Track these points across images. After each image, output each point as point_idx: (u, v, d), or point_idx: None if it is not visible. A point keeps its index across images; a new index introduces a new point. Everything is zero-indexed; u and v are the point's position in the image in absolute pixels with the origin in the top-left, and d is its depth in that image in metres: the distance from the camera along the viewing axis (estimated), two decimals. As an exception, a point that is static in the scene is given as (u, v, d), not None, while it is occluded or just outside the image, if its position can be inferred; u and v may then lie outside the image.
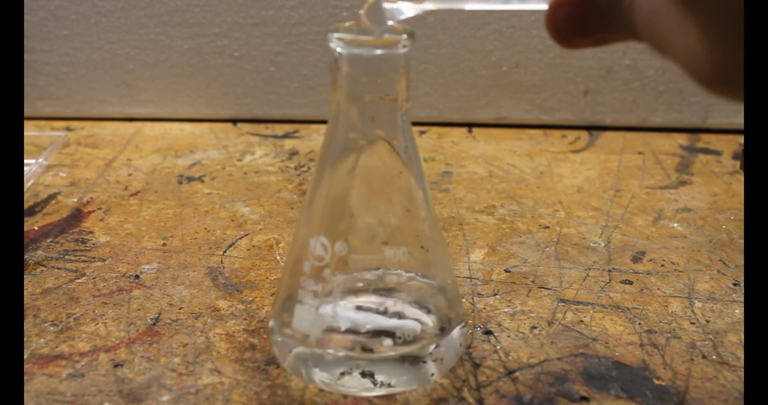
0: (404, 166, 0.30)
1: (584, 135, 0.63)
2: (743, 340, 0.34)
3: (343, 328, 0.30)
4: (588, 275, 0.40)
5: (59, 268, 0.40)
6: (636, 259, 0.42)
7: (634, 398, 0.30)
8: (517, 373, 0.32)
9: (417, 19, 0.61)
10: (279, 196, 0.50)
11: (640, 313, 0.36)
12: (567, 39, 0.23)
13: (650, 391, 0.31)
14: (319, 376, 0.30)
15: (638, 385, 0.31)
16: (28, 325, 0.35)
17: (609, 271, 0.41)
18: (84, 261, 0.41)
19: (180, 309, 0.37)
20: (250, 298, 0.38)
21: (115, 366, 0.32)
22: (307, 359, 0.30)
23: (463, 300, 0.37)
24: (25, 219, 0.46)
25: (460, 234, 0.45)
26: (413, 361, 0.30)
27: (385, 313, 0.31)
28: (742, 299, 0.38)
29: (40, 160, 0.54)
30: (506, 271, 0.41)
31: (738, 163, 0.56)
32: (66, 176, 0.54)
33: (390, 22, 0.27)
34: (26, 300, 0.37)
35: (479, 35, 0.61)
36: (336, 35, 0.27)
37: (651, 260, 0.42)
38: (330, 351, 0.30)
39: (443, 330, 0.31)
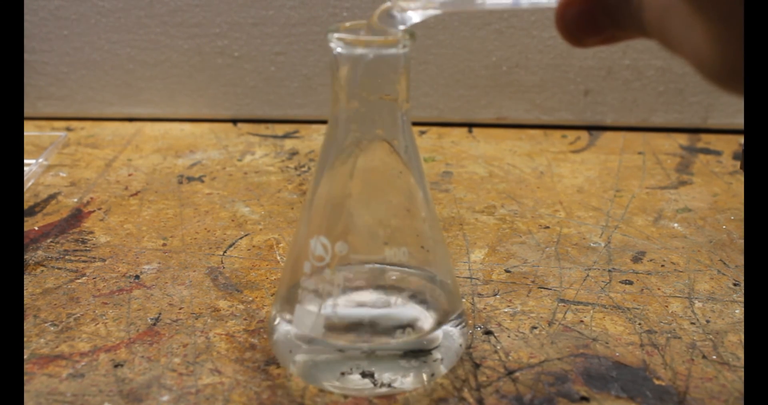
0: (404, 166, 0.30)
1: (584, 135, 0.63)
2: (743, 340, 0.34)
3: (343, 329, 0.30)
4: (588, 275, 0.40)
5: (59, 268, 0.41)
6: (636, 259, 0.42)
7: (634, 398, 0.30)
8: (518, 373, 0.32)
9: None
10: (279, 196, 0.50)
11: (640, 313, 0.36)
12: (577, 37, 0.23)
13: (650, 391, 0.31)
14: (320, 376, 0.30)
15: (638, 385, 0.31)
16: (28, 325, 0.35)
17: (609, 271, 0.41)
18: (84, 261, 0.41)
19: (180, 309, 0.37)
20: (251, 298, 0.38)
21: (116, 366, 0.32)
22: (308, 359, 0.30)
23: (464, 300, 0.37)
24: (25, 219, 0.46)
25: (460, 234, 0.45)
26: (414, 357, 0.30)
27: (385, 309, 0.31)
28: (742, 299, 0.38)
29: (40, 160, 0.54)
30: (506, 271, 0.41)
31: (738, 163, 0.56)
32: (66, 176, 0.54)
33: (401, 27, 0.27)
34: (26, 300, 0.37)
35: (479, 35, 0.61)
36: (336, 35, 0.27)
37: (651, 260, 0.42)
38: (330, 351, 0.30)
39: (442, 324, 0.31)
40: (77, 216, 0.47)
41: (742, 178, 0.54)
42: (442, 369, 0.31)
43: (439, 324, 0.31)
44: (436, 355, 0.30)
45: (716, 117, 0.63)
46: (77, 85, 0.65)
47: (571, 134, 0.63)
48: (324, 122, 0.65)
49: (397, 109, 0.29)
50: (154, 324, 0.35)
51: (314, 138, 0.62)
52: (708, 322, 0.36)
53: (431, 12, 0.27)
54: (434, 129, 0.64)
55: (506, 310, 0.37)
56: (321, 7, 0.61)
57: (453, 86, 0.63)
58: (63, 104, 0.65)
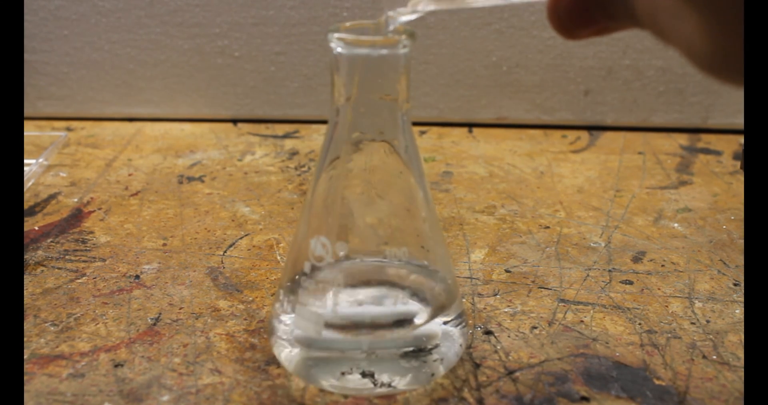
0: (404, 166, 0.30)
1: (584, 135, 0.63)
2: (743, 340, 0.34)
3: (343, 328, 0.30)
4: (588, 275, 0.40)
5: (59, 268, 0.41)
6: (636, 259, 0.42)
7: (634, 398, 0.30)
8: (518, 373, 0.32)
9: (417, 19, 0.61)
10: (279, 196, 0.50)
11: (640, 313, 0.36)
12: (569, 30, 0.23)
13: (650, 391, 0.31)
14: (320, 376, 0.30)
15: (638, 385, 0.31)
16: (28, 325, 0.35)
17: (609, 271, 0.41)
18: (84, 261, 0.41)
19: (180, 309, 0.37)
20: (251, 298, 0.38)
21: (116, 366, 0.32)
22: (308, 359, 0.30)
23: (464, 300, 0.37)
24: (26, 219, 0.46)
25: (460, 234, 0.45)
26: (414, 357, 0.30)
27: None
28: (742, 299, 0.38)
29: (41, 160, 0.54)
30: (506, 271, 0.41)
31: (738, 163, 0.56)
32: (66, 176, 0.54)
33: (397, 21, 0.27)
34: (26, 300, 0.37)
35: (479, 35, 0.61)
36: (336, 35, 0.27)
37: (651, 260, 0.42)
38: (330, 351, 0.30)
39: (442, 320, 0.31)
40: (77, 216, 0.47)
41: (742, 178, 0.54)
42: (442, 369, 0.31)
43: (437, 318, 0.31)
44: (436, 355, 0.30)
45: (716, 117, 0.63)
46: (77, 85, 0.65)
47: (571, 134, 0.63)
48: (324, 122, 0.65)
49: (397, 109, 0.29)
50: (154, 324, 0.35)
51: (314, 138, 0.62)
52: (708, 322, 0.36)
53: (416, 10, 0.27)
54: (434, 129, 0.64)
55: (506, 310, 0.37)
56: (321, 7, 0.61)
57: (453, 86, 0.63)
58: (63, 104, 0.65)
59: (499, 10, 0.60)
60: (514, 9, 0.60)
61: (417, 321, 0.31)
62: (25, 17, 0.62)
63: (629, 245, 0.44)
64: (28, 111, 0.65)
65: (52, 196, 0.50)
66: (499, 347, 0.34)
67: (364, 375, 0.29)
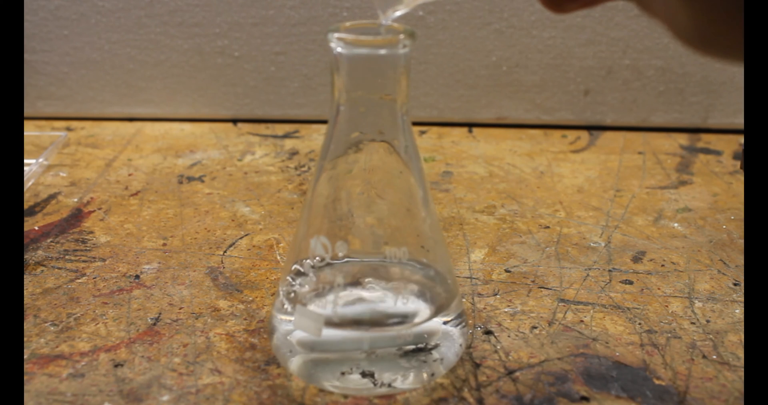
0: (404, 165, 0.30)
1: (584, 135, 0.63)
2: (743, 340, 0.34)
3: (343, 328, 0.30)
4: (588, 275, 0.40)
5: (59, 268, 0.41)
6: (636, 259, 0.42)
7: (634, 398, 0.30)
8: (518, 373, 0.32)
9: (417, 19, 0.61)
10: (279, 196, 0.50)
11: (640, 313, 0.36)
12: (557, 3, 0.23)
13: (650, 391, 0.31)
14: (320, 376, 0.30)
15: (638, 385, 0.31)
16: (28, 325, 0.35)
17: (609, 271, 0.41)
18: (84, 261, 0.41)
19: (180, 309, 0.37)
20: (251, 298, 0.38)
21: (116, 366, 0.32)
22: (307, 359, 0.30)
23: (464, 300, 0.37)
24: (26, 219, 0.46)
25: (460, 234, 0.45)
26: (414, 357, 0.30)
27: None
28: (742, 299, 0.38)
29: (41, 160, 0.54)
30: (506, 271, 0.41)
31: (738, 163, 0.56)
32: (66, 176, 0.54)
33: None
34: (26, 300, 0.37)
35: (479, 35, 0.61)
36: (336, 35, 0.27)
37: (651, 260, 0.42)
38: (330, 351, 0.30)
39: (441, 319, 0.31)
40: (77, 216, 0.47)
41: (742, 178, 0.54)
42: (442, 369, 0.31)
43: (436, 315, 0.31)
44: (436, 355, 0.30)
45: (716, 117, 0.63)
46: (77, 85, 0.65)
47: (571, 134, 0.63)
48: (324, 122, 0.65)
49: (397, 109, 0.29)
50: (154, 324, 0.35)
51: (314, 138, 0.62)
52: (708, 322, 0.36)
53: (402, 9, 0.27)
54: (434, 129, 0.64)
55: (506, 310, 0.37)
56: (321, 7, 0.61)
57: (453, 86, 0.63)
58: (63, 104, 0.65)
59: (499, 9, 0.60)
60: (514, 9, 0.60)
61: (417, 320, 0.31)
62: (25, 17, 0.62)
63: (629, 245, 0.44)
64: (28, 111, 0.65)
65: (52, 196, 0.50)
66: (499, 347, 0.34)
67: (364, 375, 0.29)
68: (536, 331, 0.35)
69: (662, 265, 0.41)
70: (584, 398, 0.30)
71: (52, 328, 0.35)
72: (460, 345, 0.32)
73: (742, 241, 0.44)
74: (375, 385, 0.29)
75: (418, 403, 0.30)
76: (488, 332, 0.35)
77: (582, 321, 0.36)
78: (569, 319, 0.36)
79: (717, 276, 0.40)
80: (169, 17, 0.62)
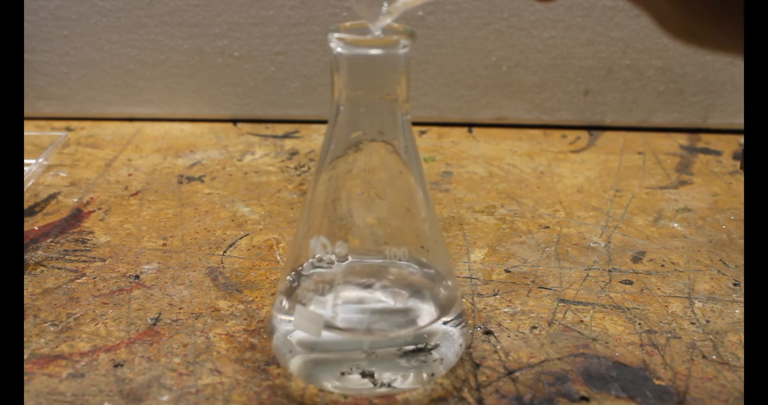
0: (404, 166, 0.30)
1: (584, 135, 0.63)
2: (743, 340, 0.34)
3: (343, 328, 0.30)
4: (588, 275, 0.40)
5: (59, 268, 0.41)
6: (636, 259, 0.42)
7: (634, 398, 0.30)
8: (517, 373, 0.32)
9: (417, 19, 0.61)
10: (279, 196, 0.50)
11: (640, 313, 0.36)
12: None
13: (650, 391, 0.31)
14: (319, 376, 0.30)
15: (638, 385, 0.31)
16: (28, 325, 0.35)
17: (609, 271, 0.41)
18: (84, 261, 0.41)
19: (180, 309, 0.37)
20: (250, 298, 0.38)
21: (115, 366, 0.32)
22: (307, 359, 0.30)
23: (464, 300, 0.37)
24: (25, 219, 0.46)
25: (460, 234, 0.45)
26: (414, 357, 0.30)
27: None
28: (742, 299, 0.38)
29: (40, 160, 0.54)
30: (506, 271, 0.41)
31: (738, 163, 0.56)
32: (66, 176, 0.54)
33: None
34: (26, 300, 0.37)
35: (479, 35, 0.61)
36: (336, 35, 0.27)
37: (651, 260, 0.42)
38: (330, 351, 0.30)
39: (441, 320, 0.31)
40: (77, 216, 0.47)
41: (742, 178, 0.54)
42: (442, 369, 0.31)
43: (438, 319, 0.31)
44: (436, 355, 0.30)
45: (716, 117, 0.63)
46: (77, 85, 0.65)
47: (571, 134, 0.63)
48: (324, 122, 0.65)
49: (397, 109, 0.29)
50: (154, 324, 0.35)
51: (314, 138, 0.62)
52: (708, 322, 0.36)
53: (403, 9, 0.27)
54: (434, 129, 0.64)
55: (506, 310, 0.37)
56: (321, 7, 0.61)
57: (453, 86, 0.63)
58: (63, 104, 0.65)
59: (499, 9, 0.60)
60: (514, 9, 0.60)
61: (417, 319, 0.31)
62: (25, 17, 0.62)
63: (629, 245, 0.44)
64: (28, 111, 0.65)
65: (52, 196, 0.50)
66: (498, 347, 0.34)
67: (364, 375, 0.29)
68: (536, 331, 0.35)
69: (662, 265, 0.41)
70: (584, 398, 0.30)
71: (52, 328, 0.35)
72: (460, 345, 0.32)
73: (742, 241, 0.44)
74: (375, 385, 0.29)
75: (418, 403, 0.30)
76: (488, 332, 0.35)
77: (582, 321, 0.36)
78: (569, 319, 0.36)
79: (717, 276, 0.40)
80: (169, 17, 0.62)
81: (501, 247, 0.43)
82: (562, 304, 0.37)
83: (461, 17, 0.61)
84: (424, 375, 0.30)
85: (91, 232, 0.45)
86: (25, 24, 0.62)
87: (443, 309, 0.31)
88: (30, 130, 0.62)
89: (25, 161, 0.53)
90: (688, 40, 0.20)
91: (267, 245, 0.43)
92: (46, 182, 0.52)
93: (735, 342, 0.34)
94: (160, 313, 0.36)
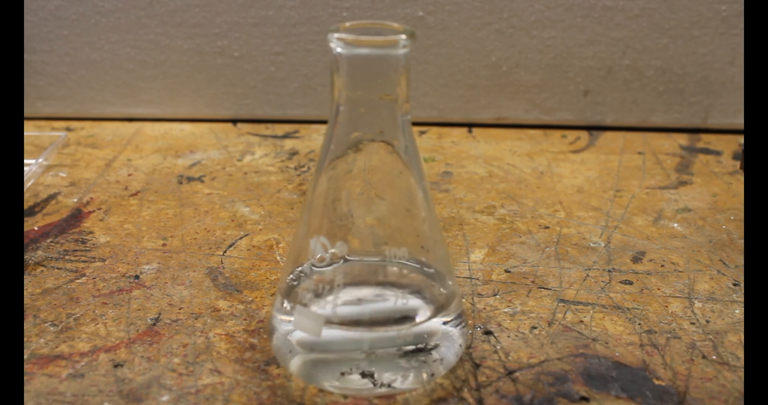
0: (404, 166, 0.30)
1: (584, 135, 0.63)
2: (743, 340, 0.34)
3: (343, 328, 0.30)
4: (588, 275, 0.40)
5: (59, 268, 0.41)
6: (636, 259, 0.42)
7: (634, 398, 0.30)
8: (517, 373, 0.32)
9: (417, 19, 0.61)
10: (279, 196, 0.50)
11: (640, 313, 0.36)
12: None
13: (650, 391, 0.31)
14: (319, 376, 0.30)
15: (638, 385, 0.31)
16: (28, 325, 0.35)
17: (609, 271, 0.41)
18: (84, 261, 0.41)
19: (180, 309, 0.37)
20: (250, 299, 0.38)
21: (115, 366, 0.32)
22: (307, 360, 0.30)
23: (463, 300, 0.37)
24: (25, 219, 0.46)
25: (460, 234, 0.45)
26: (414, 357, 0.30)
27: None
28: (742, 299, 0.38)
29: (40, 160, 0.54)
30: (506, 271, 0.41)
31: (738, 163, 0.56)
32: (66, 176, 0.54)
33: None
34: (26, 300, 0.37)
35: (479, 35, 0.61)
36: (336, 35, 0.27)
37: (651, 260, 0.42)
38: (330, 351, 0.30)
39: (441, 319, 0.31)
40: (77, 216, 0.47)
41: (742, 178, 0.54)
42: (442, 369, 0.31)
43: (437, 317, 0.31)
44: (436, 355, 0.30)
45: (716, 117, 0.63)
46: (77, 85, 0.65)
47: (571, 134, 0.63)
48: (324, 122, 0.65)
49: (397, 109, 0.29)
50: (154, 324, 0.35)
51: (314, 138, 0.62)
52: (708, 322, 0.36)
53: None
54: (434, 129, 0.64)
55: (506, 310, 0.37)
56: (321, 7, 0.61)
57: (453, 86, 0.63)
58: (63, 104, 0.65)
59: (499, 9, 0.60)
60: (514, 9, 0.60)
61: (417, 319, 0.31)
62: (25, 17, 0.62)
63: (629, 245, 0.44)
64: (28, 111, 0.65)
65: (52, 196, 0.50)
66: (498, 347, 0.34)
67: (364, 375, 0.29)
68: (536, 331, 0.35)
69: (662, 266, 0.41)
70: (584, 398, 0.30)
71: (52, 329, 0.35)
72: (460, 345, 0.32)
73: (742, 241, 0.44)
74: (375, 385, 0.29)
75: (418, 403, 0.30)
76: (488, 332, 0.35)
77: (582, 321, 0.36)
78: (569, 320, 0.36)
79: (717, 276, 0.40)
80: (169, 17, 0.62)
81: (501, 247, 0.43)
82: (562, 304, 0.37)
83: (461, 17, 0.61)
84: (424, 375, 0.30)
85: (91, 233, 0.45)
86: (25, 24, 0.62)
87: (443, 309, 0.31)
88: (30, 130, 0.62)
89: (25, 161, 0.53)
90: None
91: (267, 245, 0.43)
92: (46, 182, 0.52)
93: (735, 342, 0.34)
94: (159, 314, 0.36)
